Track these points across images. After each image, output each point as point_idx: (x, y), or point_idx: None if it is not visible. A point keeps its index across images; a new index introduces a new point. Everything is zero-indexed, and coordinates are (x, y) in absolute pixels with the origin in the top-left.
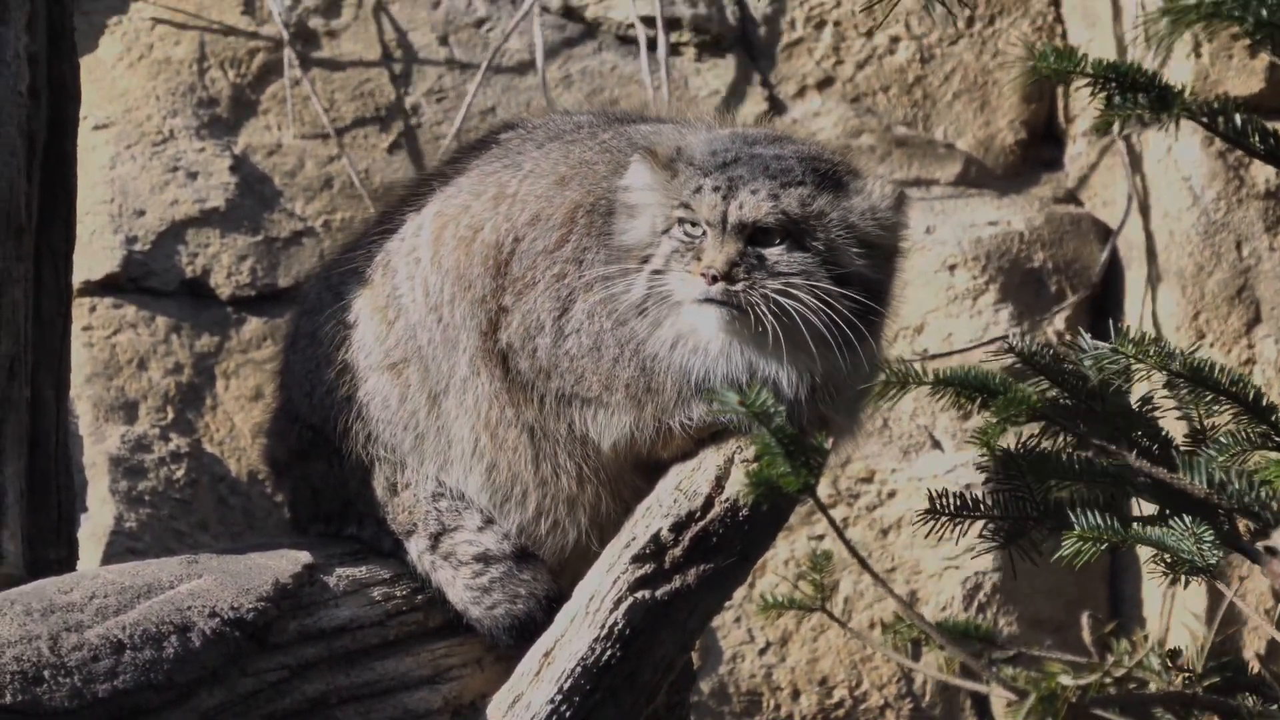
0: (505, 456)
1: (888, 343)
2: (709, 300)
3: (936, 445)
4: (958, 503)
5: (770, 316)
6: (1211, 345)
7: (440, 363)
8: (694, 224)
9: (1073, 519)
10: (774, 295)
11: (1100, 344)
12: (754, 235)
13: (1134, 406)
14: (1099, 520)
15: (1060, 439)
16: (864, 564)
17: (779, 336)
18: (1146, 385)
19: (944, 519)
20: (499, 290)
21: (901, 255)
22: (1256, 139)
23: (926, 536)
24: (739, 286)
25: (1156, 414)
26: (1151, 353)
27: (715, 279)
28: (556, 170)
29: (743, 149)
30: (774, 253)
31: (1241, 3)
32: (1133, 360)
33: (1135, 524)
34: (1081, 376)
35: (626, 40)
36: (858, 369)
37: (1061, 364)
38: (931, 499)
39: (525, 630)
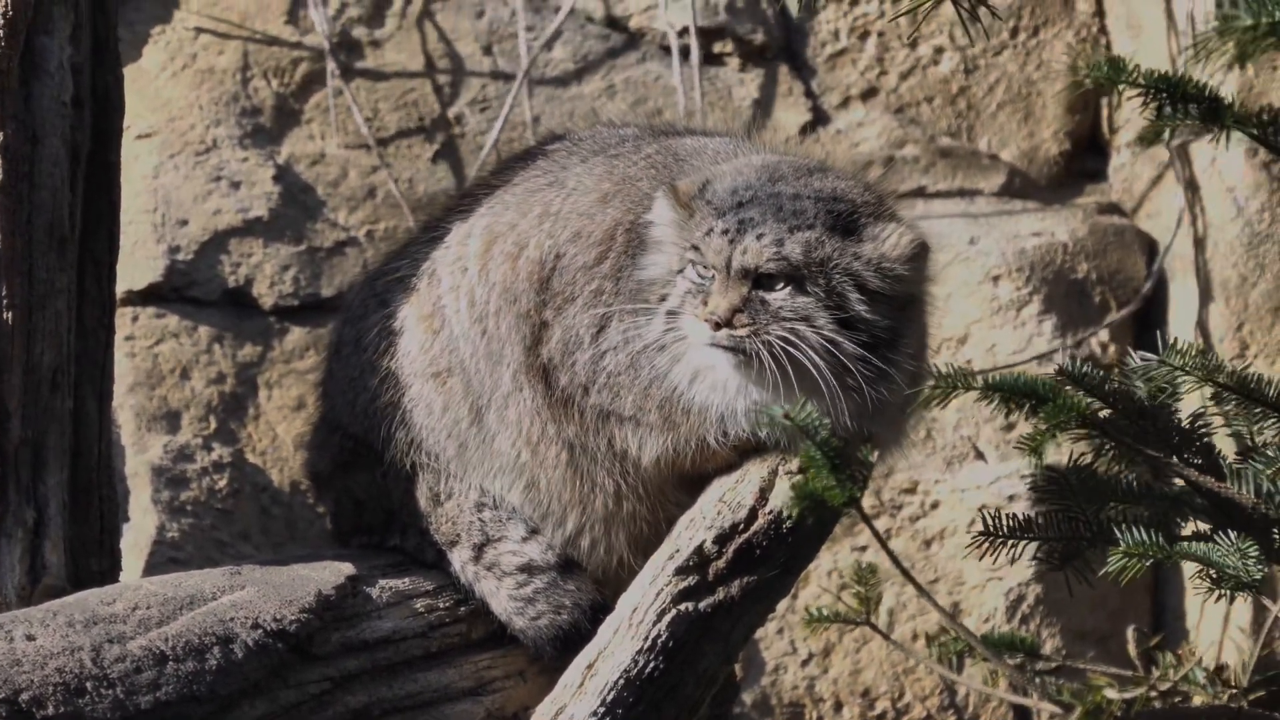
0: (545, 473)
1: (931, 354)
2: (716, 345)
3: (980, 456)
4: (1011, 524)
5: (772, 361)
6: (1255, 356)
7: (484, 376)
8: (704, 266)
9: (1118, 535)
10: (776, 340)
11: (1148, 356)
12: (759, 279)
13: (1183, 423)
14: (1144, 536)
15: (1110, 460)
16: (908, 577)
17: (789, 378)
18: (1198, 399)
19: (998, 540)
20: (541, 305)
21: (920, 304)
22: None
23: (981, 559)
24: (742, 332)
25: (1206, 430)
26: (1197, 365)
27: (719, 325)
28: (600, 187)
29: (764, 186)
30: (777, 297)
31: None
32: (1179, 372)
33: (1182, 543)
34: (1129, 395)
35: (670, 50)
36: (885, 399)
37: (1109, 384)
38: (985, 521)
39: (569, 641)
